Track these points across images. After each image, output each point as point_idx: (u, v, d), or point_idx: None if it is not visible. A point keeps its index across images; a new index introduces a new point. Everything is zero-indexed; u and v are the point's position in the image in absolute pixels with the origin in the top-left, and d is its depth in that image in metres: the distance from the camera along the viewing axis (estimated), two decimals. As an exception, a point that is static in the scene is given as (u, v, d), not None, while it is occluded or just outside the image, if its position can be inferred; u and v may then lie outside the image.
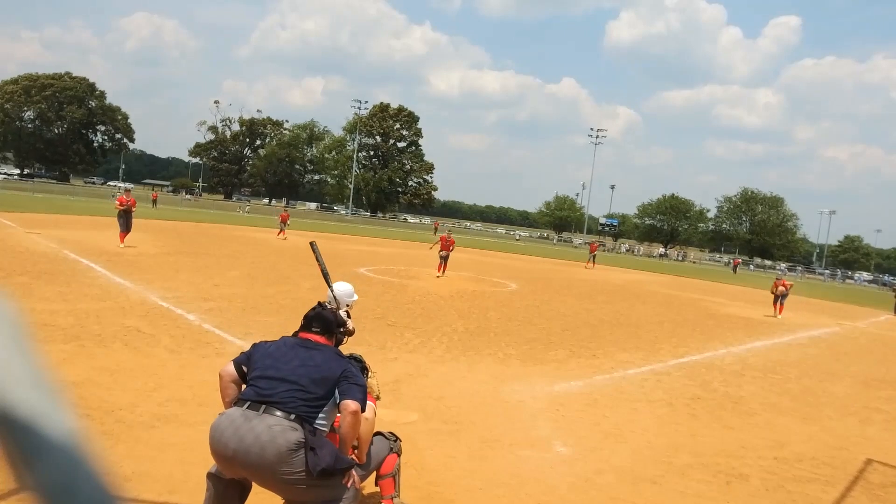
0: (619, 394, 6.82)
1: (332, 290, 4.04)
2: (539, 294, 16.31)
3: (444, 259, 17.94)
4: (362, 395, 2.86)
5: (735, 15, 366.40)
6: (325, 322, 3.12)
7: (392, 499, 3.48)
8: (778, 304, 18.00)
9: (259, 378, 2.81)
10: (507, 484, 4.13)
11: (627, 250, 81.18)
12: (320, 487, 2.66)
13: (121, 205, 16.06)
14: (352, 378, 2.86)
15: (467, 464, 4.36)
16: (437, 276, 17.27)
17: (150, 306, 8.57)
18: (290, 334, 3.12)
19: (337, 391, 2.83)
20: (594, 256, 32.33)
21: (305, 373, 2.79)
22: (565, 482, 4.27)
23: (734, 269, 54.87)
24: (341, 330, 3.28)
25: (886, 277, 77.09)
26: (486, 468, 4.34)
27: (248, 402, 2.72)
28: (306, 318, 3.15)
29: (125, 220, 15.89)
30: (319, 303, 3.27)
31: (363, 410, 2.87)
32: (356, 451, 3.16)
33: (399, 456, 3.56)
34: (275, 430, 2.59)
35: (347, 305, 4.34)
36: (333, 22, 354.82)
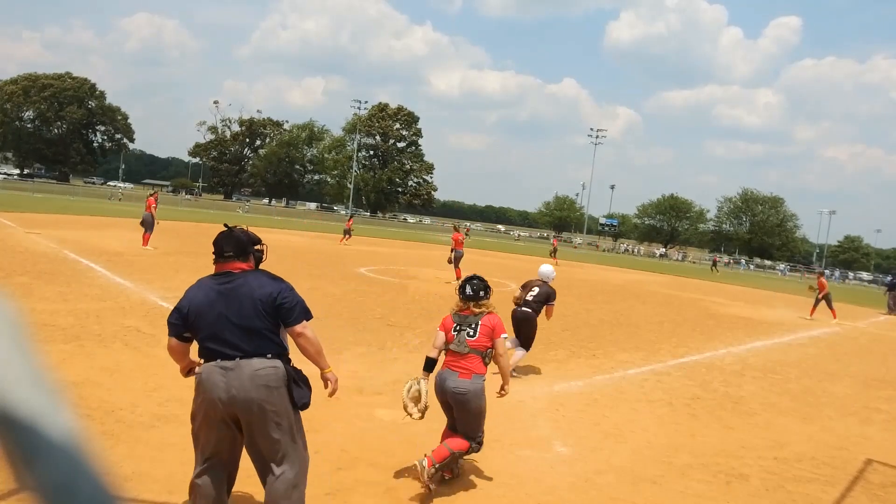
0: (619, 394, 6.82)
1: None
2: (539, 294, 16.26)
3: (456, 259, 16.35)
4: (302, 312, 2.87)
5: (736, 15, 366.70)
6: (237, 243, 2.94)
7: (434, 465, 3.71)
8: (814, 305, 17.48)
9: (212, 337, 2.78)
10: (507, 484, 4.13)
11: (626, 250, 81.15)
12: (298, 447, 2.86)
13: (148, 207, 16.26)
14: (287, 301, 2.84)
15: (467, 464, 4.36)
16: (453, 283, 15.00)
17: (150, 306, 8.57)
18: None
19: (280, 318, 2.83)
20: (555, 251, 32.84)
21: (248, 312, 2.78)
22: (565, 482, 4.27)
23: (713, 265, 46.95)
24: (256, 248, 3.08)
25: (889, 279, 75.74)
26: (486, 468, 4.34)
27: (219, 358, 2.76)
28: (215, 244, 2.96)
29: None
30: (226, 224, 3.06)
31: (309, 319, 2.91)
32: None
33: (469, 450, 3.97)
34: (260, 372, 2.73)
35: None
36: (334, 22, 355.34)
